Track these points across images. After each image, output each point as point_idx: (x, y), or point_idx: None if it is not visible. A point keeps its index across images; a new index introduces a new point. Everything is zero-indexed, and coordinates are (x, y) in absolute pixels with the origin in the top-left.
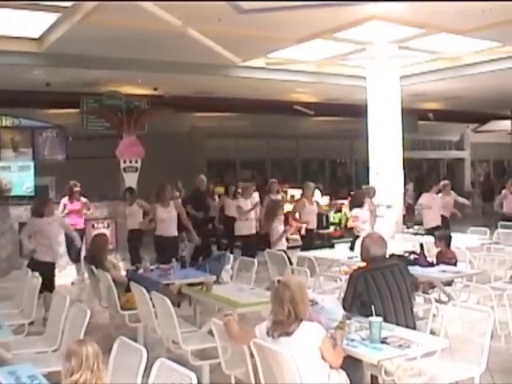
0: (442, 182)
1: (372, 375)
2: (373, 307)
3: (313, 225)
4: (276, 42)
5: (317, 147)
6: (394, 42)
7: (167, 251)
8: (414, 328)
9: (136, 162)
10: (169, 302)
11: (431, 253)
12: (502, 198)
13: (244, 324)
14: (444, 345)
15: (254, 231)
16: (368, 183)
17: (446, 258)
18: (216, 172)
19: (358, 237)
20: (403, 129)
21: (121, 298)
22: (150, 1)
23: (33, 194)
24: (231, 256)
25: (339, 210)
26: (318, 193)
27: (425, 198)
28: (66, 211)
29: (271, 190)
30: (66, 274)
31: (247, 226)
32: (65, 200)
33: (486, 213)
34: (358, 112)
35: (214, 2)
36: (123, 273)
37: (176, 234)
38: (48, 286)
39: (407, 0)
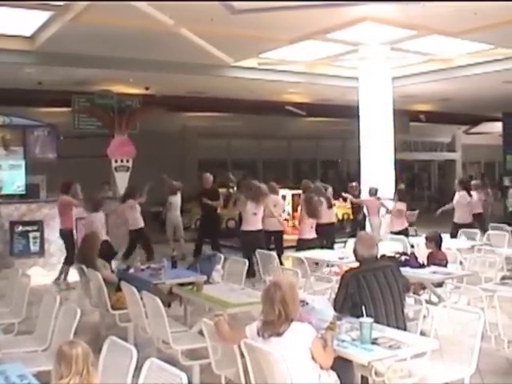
0: (473, 182)
1: (362, 376)
2: (363, 308)
3: None
4: (268, 43)
5: (308, 148)
6: (386, 44)
7: None
8: (405, 329)
9: (127, 161)
10: (159, 301)
11: (422, 253)
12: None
13: (234, 324)
14: (434, 346)
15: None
16: (359, 183)
17: (437, 259)
18: (207, 172)
19: None
20: (395, 130)
21: (111, 298)
22: (143, 1)
23: (24, 192)
24: (222, 256)
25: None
26: None
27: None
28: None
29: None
30: (56, 274)
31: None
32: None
33: None
34: (349, 113)
35: (207, 2)
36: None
37: None
38: None
39: (399, 1)
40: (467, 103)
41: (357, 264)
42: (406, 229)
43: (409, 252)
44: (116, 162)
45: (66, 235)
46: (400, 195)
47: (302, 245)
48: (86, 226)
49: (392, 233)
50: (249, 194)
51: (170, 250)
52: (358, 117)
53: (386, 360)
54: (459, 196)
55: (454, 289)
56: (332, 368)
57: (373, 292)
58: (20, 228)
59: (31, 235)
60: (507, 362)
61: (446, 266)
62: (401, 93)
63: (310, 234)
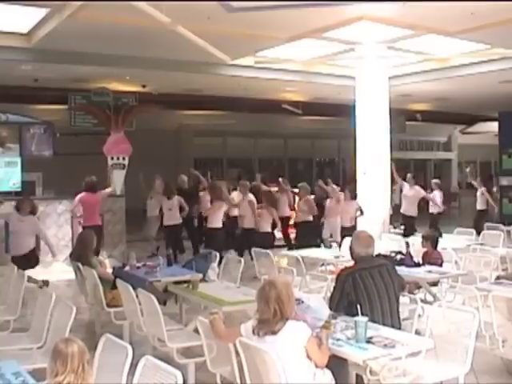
0: (434, 181)
1: (357, 375)
2: (359, 307)
3: None
4: (265, 41)
5: (304, 146)
6: (382, 43)
7: None
8: (400, 328)
9: (123, 158)
10: (155, 299)
11: (417, 253)
12: None
13: (230, 322)
14: (429, 345)
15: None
16: (355, 183)
17: (432, 258)
18: (203, 170)
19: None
20: (391, 129)
21: (107, 296)
22: (141, 0)
23: (19, 189)
24: (217, 254)
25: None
26: None
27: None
28: None
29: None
30: (51, 271)
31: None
32: None
33: None
34: (346, 112)
35: (204, 1)
36: (109, 270)
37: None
38: None
39: (396, 0)
40: (464, 103)
41: (352, 263)
42: (354, 226)
43: (404, 251)
44: (112, 159)
45: (97, 231)
46: (351, 193)
47: (260, 238)
48: (16, 227)
49: (343, 228)
50: (214, 194)
51: (149, 247)
52: (355, 116)
53: (381, 359)
54: (415, 190)
55: (449, 288)
56: (327, 367)
57: (369, 291)
58: None
59: None
60: (501, 361)
61: (441, 265)
62: (397, 92)
63: (268, 228)
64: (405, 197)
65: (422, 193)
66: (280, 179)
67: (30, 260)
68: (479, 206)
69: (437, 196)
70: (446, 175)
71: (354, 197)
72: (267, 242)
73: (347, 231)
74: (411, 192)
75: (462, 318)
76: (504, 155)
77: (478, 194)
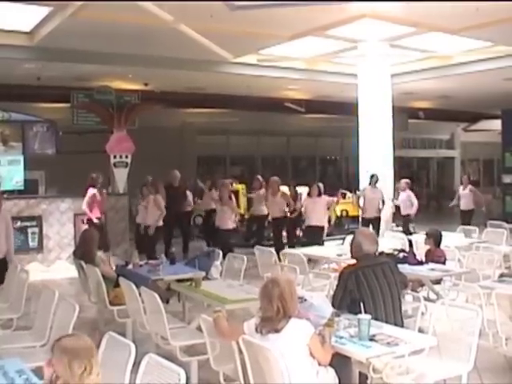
0: (403, 180)
1: (360, 372)
2: (362, 304)
3: None
4: (268, 39)
5: (307, 144)
6: (385, 40)
7: None
8: (402, 325)
9: (126, 157)
10: (158, 297)
11: (420, 251)
12: None
13: (233, 320)
14: (432, 343)
15: None
16: (358, 181)
17: (435, 256)
18: (206, 168)
19: None
20: (394, 127)
21: (110, 294)
22: (144, 0)
23: (22, 188)
24: (220, 252)
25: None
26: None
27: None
28: None
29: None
30: (54, 269)
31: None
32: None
33: None
34: (348, 110)
35: (206, 0)
36: (113, 267)
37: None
38: None
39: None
40: (466, 100)
41: (354, 261)
42: (323, 227)
43: (407, 249)
44: (115, 157)
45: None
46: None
47: (223, 235)
48: None
49: (310, 227)
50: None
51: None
52: (357, 114)
53: (384, 357)
54: (378, 192)
55: (452, 286)
56: (330, 364)
57: (372, 288)
58: (18, 224)
59: (30, 231)
60: (505, 359)
61: (444, 263)
62: (400, 90)
63: (230, 225)
64: (368, 199)
65: (381, 195)
66: (259, 176)
67: (5, 263)
68: (465, 205)
69: (411, 196)
70: (449, 173)
71: (320, 193)
72: (229, 239)
73: (310, 231)
74: (374, 194)
75: (465, 316)
76: (507, 153)
77: (463, 193)
